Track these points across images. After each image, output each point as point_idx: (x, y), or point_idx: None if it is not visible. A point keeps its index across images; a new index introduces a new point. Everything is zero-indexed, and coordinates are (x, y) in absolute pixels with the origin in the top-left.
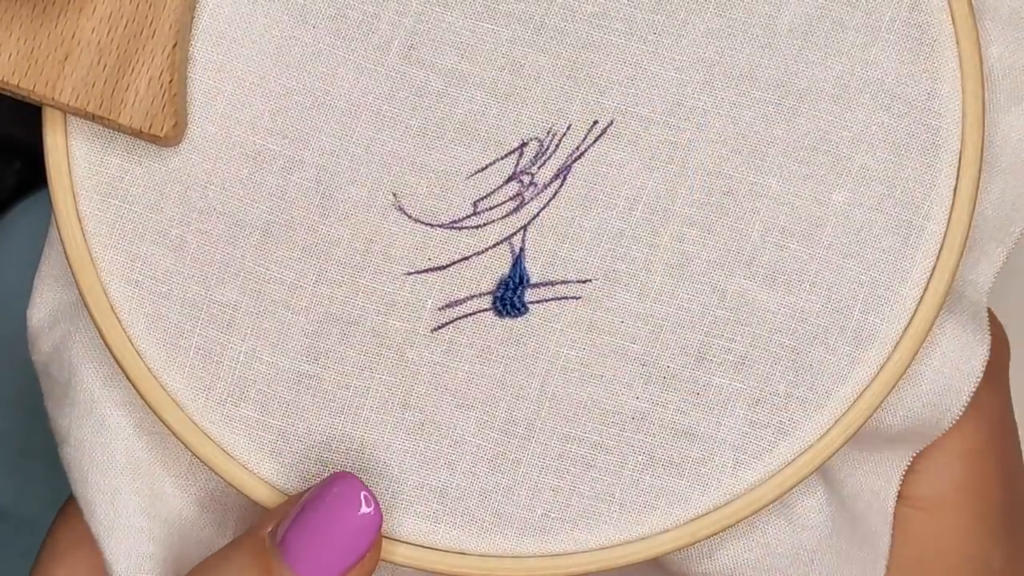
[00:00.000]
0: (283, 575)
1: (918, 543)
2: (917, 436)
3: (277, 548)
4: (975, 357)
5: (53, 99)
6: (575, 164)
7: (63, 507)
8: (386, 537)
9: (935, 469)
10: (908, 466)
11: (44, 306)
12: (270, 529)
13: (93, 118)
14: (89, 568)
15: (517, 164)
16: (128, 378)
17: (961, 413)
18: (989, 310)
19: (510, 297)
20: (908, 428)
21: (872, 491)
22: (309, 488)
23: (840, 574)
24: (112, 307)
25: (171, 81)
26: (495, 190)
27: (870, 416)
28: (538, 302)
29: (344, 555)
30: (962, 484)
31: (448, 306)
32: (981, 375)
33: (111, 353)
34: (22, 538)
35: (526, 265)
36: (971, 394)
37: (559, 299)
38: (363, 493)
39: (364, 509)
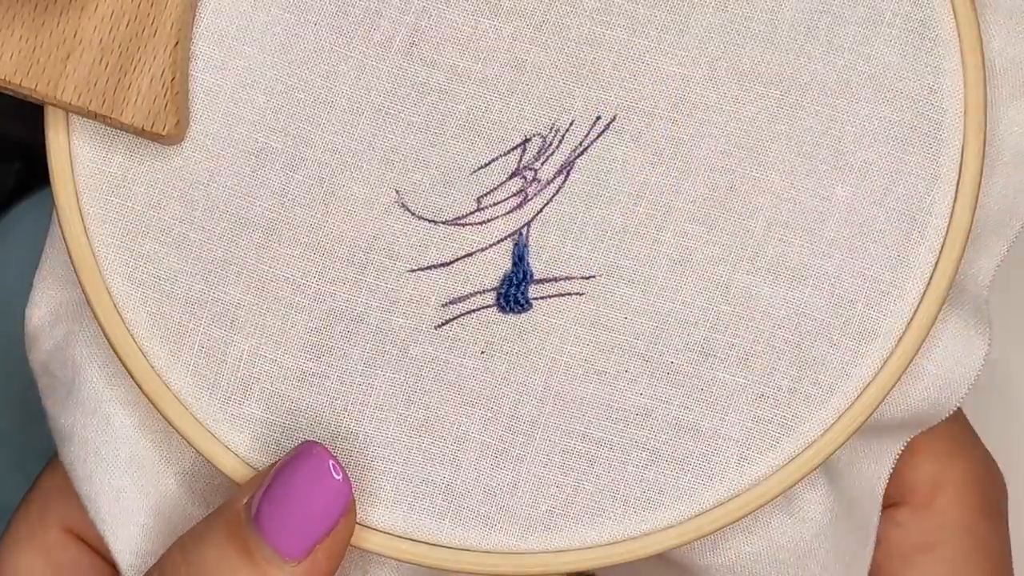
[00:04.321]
0: (259, 549)
1: None
2: (914, 425)
3: (252, 522)
4: (975, 350)
5: (55, 98)
6: (578, 160)
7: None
8: (390, 534)
9: None
10: (903, 447)
11: (45, 305)
12: (244, 502)
13: (95, 117)
14: (43, 547)
15: (520, 160)
16: (132, 376)
17: (958, 405)
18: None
19: (513, 293)
20: (906, 419)
21: (866, 475)
22: (278, 459)
23: (834, 559)
24: (115, 305)
25: (173, 79)
26: (498, 186)
27: (873, 411)
28: (541, 298)
29: (316, 524)
30: None
31: (451, 302)
32: (980, 369)
33: (114, 352)
34: None
35: (529, 261)
36: (969, 387)
37: (563, 295)
38: (330, 462)
39: (334, 475)
